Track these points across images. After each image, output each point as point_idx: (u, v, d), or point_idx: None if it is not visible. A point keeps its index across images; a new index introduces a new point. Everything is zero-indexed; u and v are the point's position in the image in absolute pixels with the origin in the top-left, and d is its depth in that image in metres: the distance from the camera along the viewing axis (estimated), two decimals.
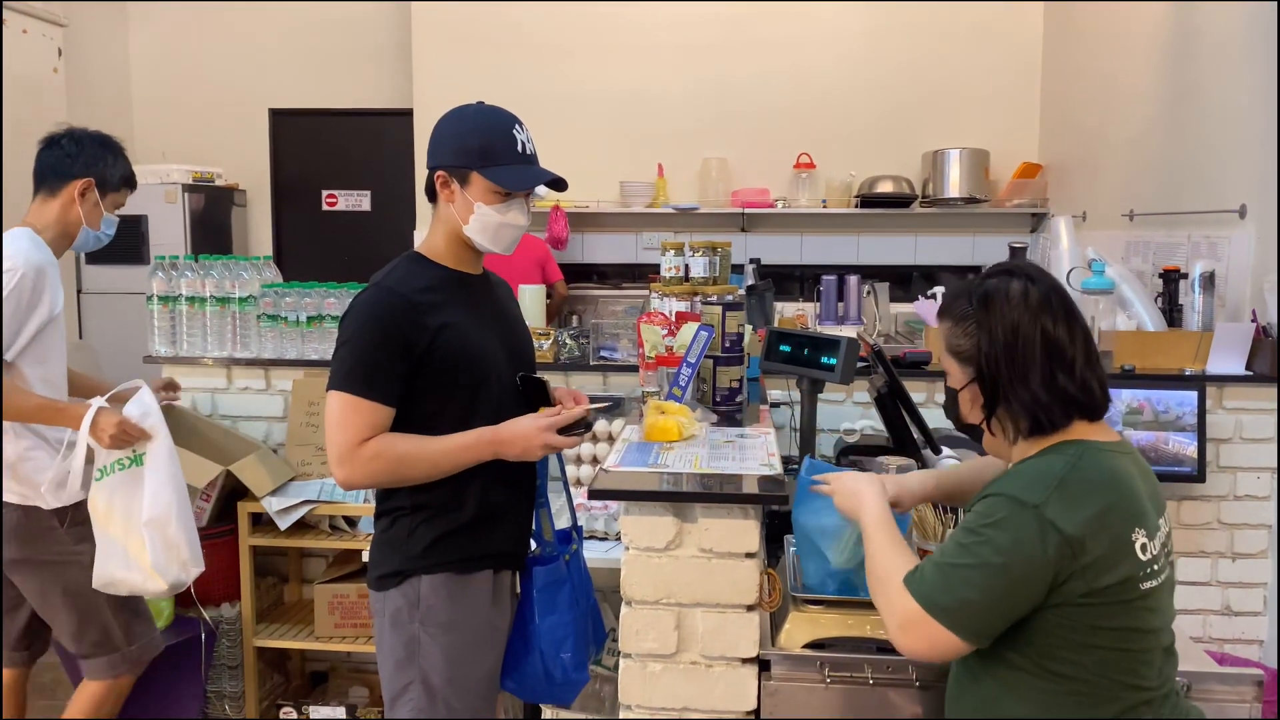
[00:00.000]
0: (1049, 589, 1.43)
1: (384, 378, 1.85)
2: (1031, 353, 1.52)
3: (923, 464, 2.35)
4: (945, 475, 1.93)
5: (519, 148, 1.95)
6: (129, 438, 2.49)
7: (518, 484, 2.02)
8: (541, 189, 5.61)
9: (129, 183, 2.72)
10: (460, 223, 1.96)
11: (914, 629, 1.47)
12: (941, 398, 3.18)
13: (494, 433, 1.89)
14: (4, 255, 2.44)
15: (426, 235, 2.04)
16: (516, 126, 1.96)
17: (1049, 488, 1.44)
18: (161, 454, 2.52)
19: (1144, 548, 1.45)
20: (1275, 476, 3.10)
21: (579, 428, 1.93)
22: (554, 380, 3.31)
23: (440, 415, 1.91)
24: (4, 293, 2.41)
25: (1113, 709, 1.46)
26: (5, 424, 2.51)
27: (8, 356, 2.45)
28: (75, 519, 2.58)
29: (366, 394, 1.84)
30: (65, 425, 2.53)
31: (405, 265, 1.97)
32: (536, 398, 2.01)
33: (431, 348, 1.87)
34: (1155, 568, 1.47)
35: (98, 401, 2.51)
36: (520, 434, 1.89)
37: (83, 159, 2.60)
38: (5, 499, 2.51)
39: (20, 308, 2.45)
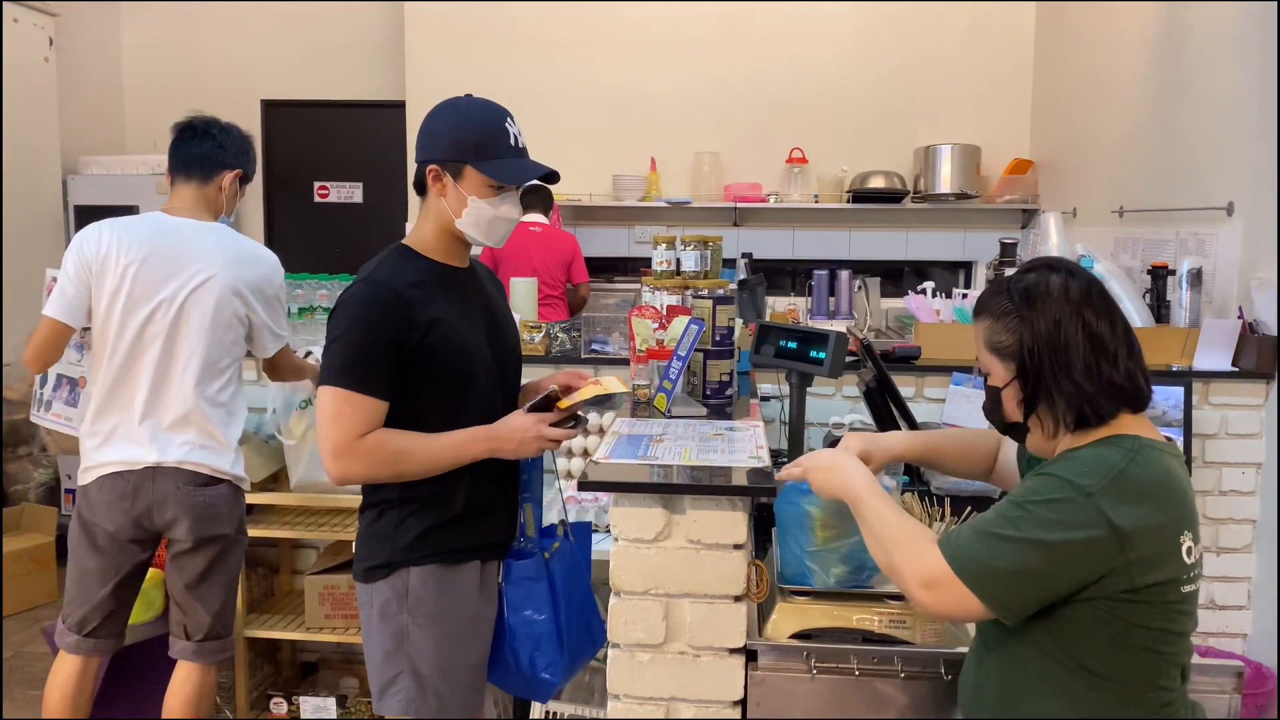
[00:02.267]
0: (1089, 580, 1.41)
1: (378, 372, 1.85)
2: (1075, 345, 1.51)
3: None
4: (928, 436, 1.92)
5: (512, 141, 1.95)
6: None
7: (505, 475, 2.03)
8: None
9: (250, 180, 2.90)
10: (452, 216, 1.96)
11: (940, 589, 1.46)
12: (931, 391, 3.22)
13: (489, 431, 1.92)
14: (267, 258, 2.75)
15: (414, 228, 2.04)
16: (508, 120, 1.97)
17: (1105, 477, 1.42)
18: None
19: (1189, 551, 1.45)
20: (1260, 472, 3.13)
21: (570, 420, 1.96)
22: (544, 374, 3.32)
23: (429, 410, 1.91)
24: (284, 291, 2.78)
25: (1139, 710, 1.46)
26: (242, 412, 2.72)
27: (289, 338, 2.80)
28: (244, 503, 2.81)
29: (361, 388, 1.84)
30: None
31: (394, 258, 1.97)
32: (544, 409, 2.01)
33: (422, 343, 1.87)
34: (1195, 572, 1.46)
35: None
36: (515, 429, 1.92)
37: (233, 150, 2.75)
38: (224, 477, 2.66)
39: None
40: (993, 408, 1.62)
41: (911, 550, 1.51)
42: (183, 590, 2.69)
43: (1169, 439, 1.57)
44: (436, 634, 1.93)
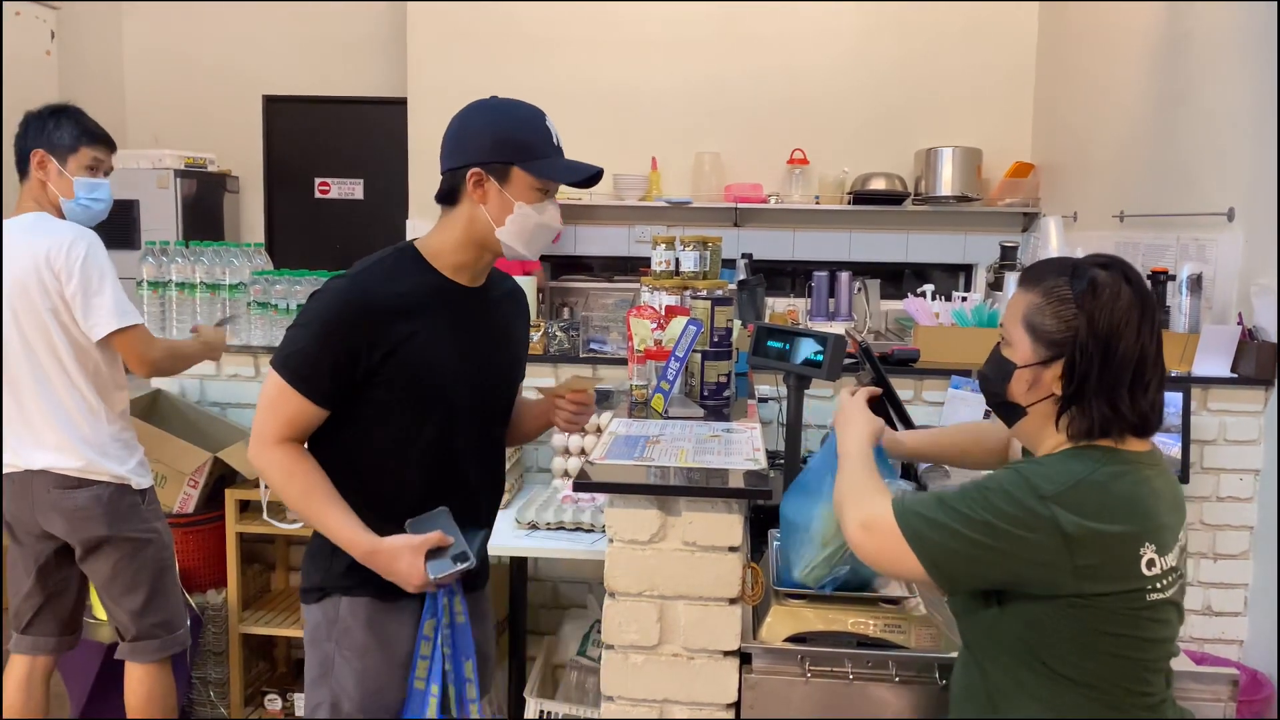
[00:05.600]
0: (1032, 576, 1.43)
1: (320, 376, 1.75)
2: (1126, 364, 1.47)
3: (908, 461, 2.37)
4: (939, 434, 1.96)
5: (554, 140, 1.82)
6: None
7: (469, 516, 1.88)
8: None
9: (88, 139, 2.61)
10: (493, 225, 1.79)
11: (877, 533, 1.50)
12: (930, 395, 3.21)
13: (373, 550, 1.75)
14: (57, 234, 2.49)
15: (434, 234, 1.86)
16: (547, 118, 1.84)
17: (1064, 485, 1.43)
18: None
19: (1151, 563, 1.43)
20: (1258, 478, 3.12)
21: (461, 559, 1.76)
22: (542, 372, 3.33)
23: (381, 427, 1.80)
24: (91, 263, 2.48)
25: (1117, 714, 1.47)
26: (99, 406, 2.58)
27: (133, 320, 2.53)
28: (152, 498, 2.70)
29: (299, 386, 1.75)
30: (212, 355, 2.84)
31: (394, 261, 1.83)
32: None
33: (387, 357, 1.75)
34: (1165, 582, 1.45)
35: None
36: (398, 571, 1.75)
37: (30, 132, 2.59)
38: (98, 478, 2.56)
39: (112, 272, 2.53)
40: (998, 380, 1.57)
41: (863, 496, 1.56)
42: (101, 592, 2.66)
43: (1152, 446, 1.55)
44: (361, 669, 1.82)
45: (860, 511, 1.53)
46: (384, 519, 1.79)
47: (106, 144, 2.66)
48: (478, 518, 1.93)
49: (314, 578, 1.88)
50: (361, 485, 1.82)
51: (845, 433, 1.73)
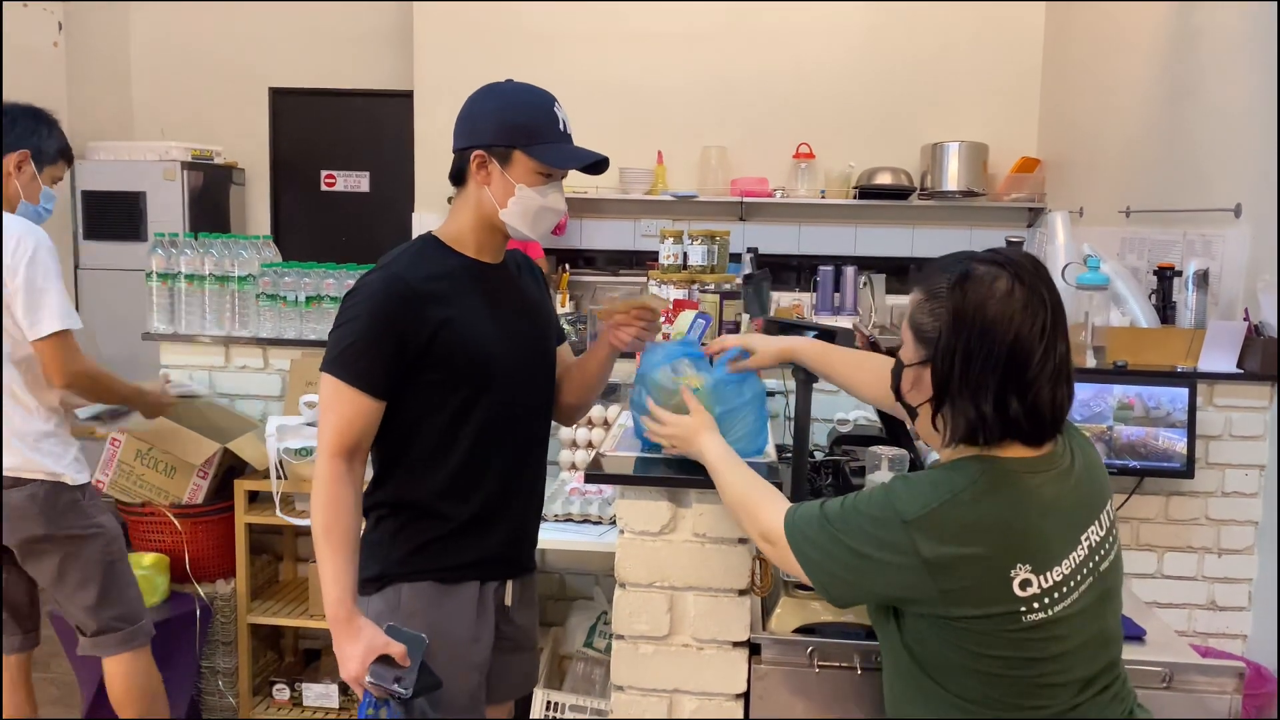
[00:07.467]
0: (903, 597, 1.45)
1: (373, 368, 1.76)
2: (992, 365, 1.39)
3: (915, 455, 2.37)
4: (811, 349, 1.95)
5: (560, 126, 1.87)
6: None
7: (518, 483, 1.96)
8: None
9: (65, 155, 2.68)
10: (496, 206, 1.84)
11: (778, 546, 1.55)
12: None
13: (346, 615, 1.74)
14: (7, 229, 2.44)
15: (448, 219, 1.93)
16: (556, 104, 1.88)
17: (927, 507, 1.40)
18: None
19: (1025, 584, 1.39)
20: (1263, 474, 3.13)
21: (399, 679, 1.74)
22: None
23: (435, 414, 1.84)
24: (38, 261, 2.44)
25: None
26: (31, 401, 2.53)
27: (75, 324, 2.48)
28: (92, 493, 2.65)
29: (353, 381, 1.76)
30: (144, 408, 2.87)
31: (417, 249, 1.88)
32: None
33: (430, 343, 1.79)
34: (1048, 600, 1.40)
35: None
36: (346, 653, 1.74)
37: (16, 131, 2.56)
38: (32, 476, 2.52)
39: (57, 275, 2.50)
40: (894, 379, 1.55)
41: (754, 505, 1.61)
42: (50, 591, 2.63)
43: (1050, 447, 1.47)
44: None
45: (759, 525, 1.59)
46: (445, 505, 1.86)
47: (71, 160, 2.75)
48: (534, 493, 2.03)
49: (372, 567, 1.86)
50: (429, 481, 1.86)
51: (699, 445, 1.73)
